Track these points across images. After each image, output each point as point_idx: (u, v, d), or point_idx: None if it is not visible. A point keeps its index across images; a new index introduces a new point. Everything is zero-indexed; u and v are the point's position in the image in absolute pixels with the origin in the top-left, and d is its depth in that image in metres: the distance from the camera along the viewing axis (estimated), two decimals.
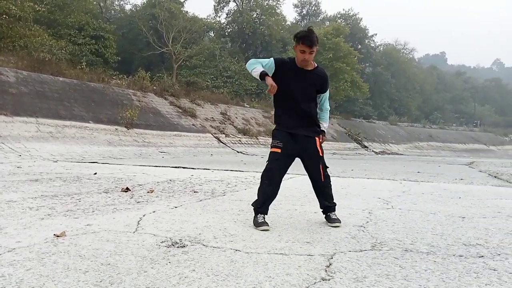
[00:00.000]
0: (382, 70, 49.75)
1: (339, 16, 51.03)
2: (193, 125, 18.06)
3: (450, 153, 36.77)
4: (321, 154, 3.10)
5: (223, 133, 18.99)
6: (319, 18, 52.51)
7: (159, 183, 5.70)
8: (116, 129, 13.91)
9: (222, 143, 17.90)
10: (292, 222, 3.17)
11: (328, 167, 3.17)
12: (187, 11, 34.00)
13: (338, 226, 3.02)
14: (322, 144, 3.14)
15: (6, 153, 9.42)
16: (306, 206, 3.99)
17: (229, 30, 40.05)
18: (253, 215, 3.03)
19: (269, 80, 2.84)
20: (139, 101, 17.03)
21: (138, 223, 3.00)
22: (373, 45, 54.01)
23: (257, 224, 2.92)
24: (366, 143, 31.92)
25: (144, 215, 3.29)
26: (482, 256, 2.39)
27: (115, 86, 17.24)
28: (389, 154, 28.96)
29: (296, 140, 3.00)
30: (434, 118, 54.74)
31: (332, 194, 3.22)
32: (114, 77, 19.87)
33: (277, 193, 3.07)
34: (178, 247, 2.39)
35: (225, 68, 32.46)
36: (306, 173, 3.20)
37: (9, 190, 4.51)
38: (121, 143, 13.18)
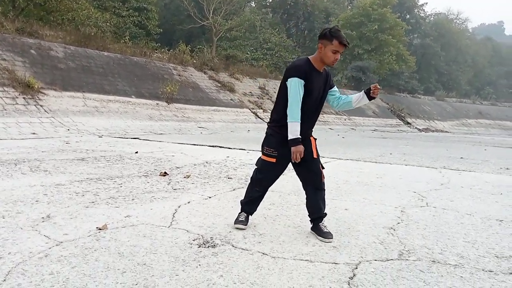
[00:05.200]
0: (431, 42, 46.96)
1: None
2: (231, 100, 18.19)
3: (500, 131, 34.80)
4: (315, 156, 2.80)
5: (261, 108, 19.01)
6: None
7: (195, 165, 5.90)
8: (157, 103, 14.32)
9: (260, 118, 17.96)
10: None
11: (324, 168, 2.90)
12: None
13: (330, 242, 2.72)
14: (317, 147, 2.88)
15: (56, 127, 10.02)
16: (337, 200, 4.01)
17: (270, 1, 39.17)
18: (240, 211, 3.01)
19: (300, 148, 2.62)
20: (179, 75, 17.31)
21: (173, 216, 3.16)
22: (422, 15, 50.91)
23: (235, 221, 2.94)
24: (409, 120, 30.78)
25: (179, 206, 3.46)
26: None
27: (156, 60, 17.57)
28: (433, 131, 27.86)
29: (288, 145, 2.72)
30: (485, 94, 51.52)
31: (325, 201, 2.92)
32: (156, 51, 20.23)
33: (264, 195, 3.02)
34: (208, 246, 2.52)
35: (265, 39, 32.04)
36: (301, 179, 2.92)
37: (58, 171, 4.86)
38: (161, 118, 13.58)
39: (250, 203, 2.99)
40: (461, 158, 9.04)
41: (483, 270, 2.38)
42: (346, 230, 3.02)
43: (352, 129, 22.02)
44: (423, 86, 44.76)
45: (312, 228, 2.90)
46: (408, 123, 30.11)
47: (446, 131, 29.32)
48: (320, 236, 2.79)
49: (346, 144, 11.47)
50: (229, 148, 8.49)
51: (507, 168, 7.40)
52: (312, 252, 2.52)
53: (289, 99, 2.66)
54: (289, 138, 2.65)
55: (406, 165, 7.23)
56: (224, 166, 5.93)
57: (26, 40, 12.85)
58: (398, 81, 40.46)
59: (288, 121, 2.65)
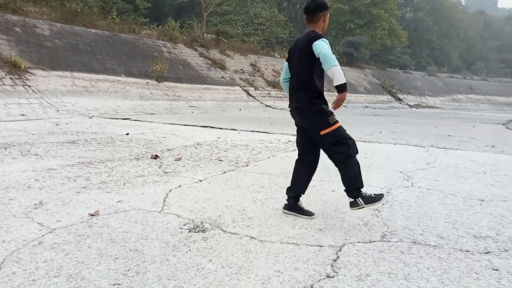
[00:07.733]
0: (424, 16, 46.63)
1: None
2: (222, 77, 18.05)
3: (490, 107, 35.14)
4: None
5: (252, 86, 18.91)
6: None
7: (187, 147, 5.94)
8: (147, 82, 14.17)
9: (251, 96, 17.90)
10: (308, 203, 3.30)
11: None
12: None
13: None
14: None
15: (45, 108, 9.93)
16: (325, 182, 4.10)
17: None
18: (360, 194, 2.76)
19: (345, 96, 2.71)
20: (169, 53, 17.06)
21: (164, 200, 3.23)
22: None
23: (371, 199, 2.75)
24: (400, 96, 30.91)
25: (170, 190, 3.53)
26: (489, 252, 2.47)
27: (145, 37, 17.26)
28: (424, 107, 28.04)
29: None
30: (476, 69, 51.66)
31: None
32: (144, 27, 19.84)
33: None
34: (198, 231, 2.60)
35: (256, 14, 31.51)
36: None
37: (49, 155, 4.88)
38: (152, 97, 13.48)
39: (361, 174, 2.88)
40: (449, 135, 9.19)
41: (460, 250, 2.50)
42: (332, 212, 3.13)
43: (344, 106, 22.06)
44: (415, 61, 44.74)
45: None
46: (399, 99, 30.24)
47: (437, 107, 29.53)
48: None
49: None
50: (220, 128, 8.52)
51: (492, 146, 7.56)
52: (298, 235, 2.62)
53: (324, 50, 2.58)
54: (339, 83, 2.57)
55: (394, 144, 7.35)
56: (215, 148, 5.98)
57: (10, 17, 12.51)
58: (390, 57, 40.38)
59: (333, 65, 2.55)
